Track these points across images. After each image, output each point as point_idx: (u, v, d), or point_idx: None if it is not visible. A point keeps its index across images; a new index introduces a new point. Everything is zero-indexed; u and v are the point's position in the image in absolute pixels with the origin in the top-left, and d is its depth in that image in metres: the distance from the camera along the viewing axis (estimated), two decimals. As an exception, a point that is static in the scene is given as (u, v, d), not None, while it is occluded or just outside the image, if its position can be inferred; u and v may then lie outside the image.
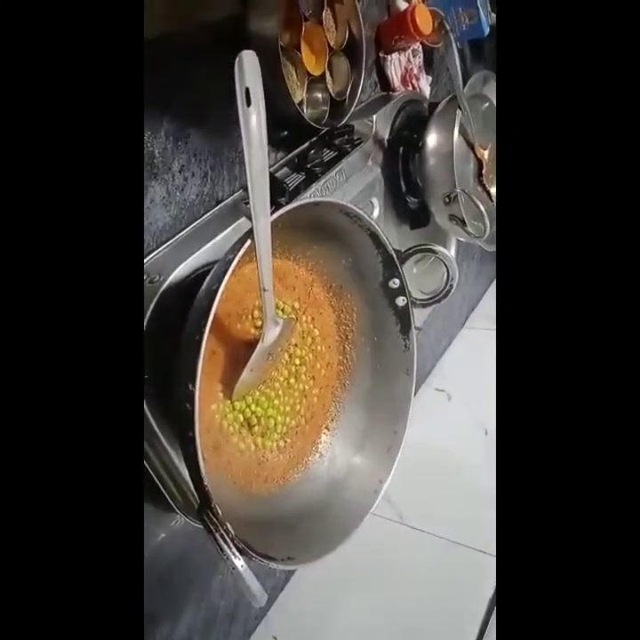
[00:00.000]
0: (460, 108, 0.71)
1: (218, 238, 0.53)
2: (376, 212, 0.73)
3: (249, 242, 0.40)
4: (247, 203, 0.59)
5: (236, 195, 0.61)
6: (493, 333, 1.06)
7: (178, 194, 0.55)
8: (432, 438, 0.86)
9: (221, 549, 0.36)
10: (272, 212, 0.60)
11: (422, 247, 0.57)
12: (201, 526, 0.53)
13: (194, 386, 0.36)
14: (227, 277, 0.38)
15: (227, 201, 0.60)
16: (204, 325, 0.37)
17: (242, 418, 0.52)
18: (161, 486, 0.52)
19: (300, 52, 0.61)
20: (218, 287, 0.38)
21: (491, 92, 0.77)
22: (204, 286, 0.41)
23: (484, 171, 0.76)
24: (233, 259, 0.39)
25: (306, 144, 0.67)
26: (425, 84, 0.88)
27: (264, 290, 0.41)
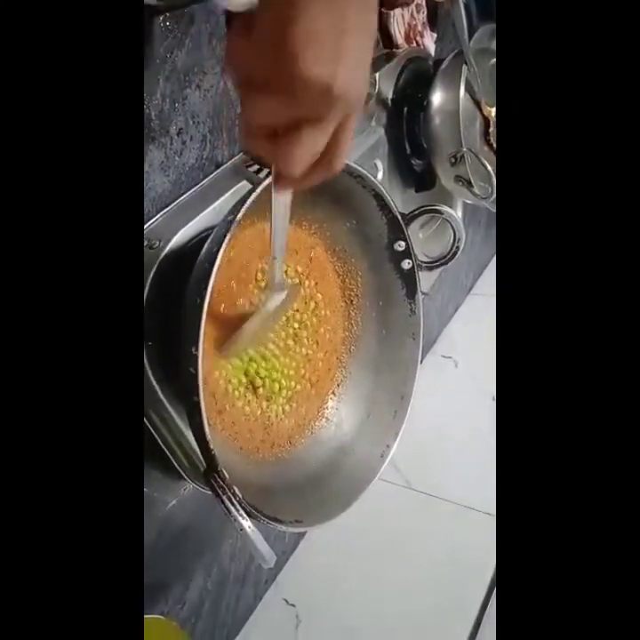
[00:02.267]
0: (467, 65, 0.68)
1: (218, 202, 0.52)
2: (380, 175, 0.71)
3: (248, 203, 0.39)
4: (248, 166, 0.58)
5: (235, 158, 0.59)
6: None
7: (176, 158, 0.54)
8: (439, 405, 0.86)
9: (229, 511, 0.36)
10: (268, 174, 0.58)
11: (428, 208, 0.55)
12: (209, 492, 0.54)
13: (197, 349, 0.35)
14: (227, 239, 0.37)
15: (227, 164, 0.58)
16: (205, 288, 0.36)
17: (246, 381, 0.52)
18: (168, 453, 0.52)
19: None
20: (218, 249, 0.37)
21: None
22: (204, 249, 0.40)
23: (491, 129, 0.74)
24: (233, 220, 0.38)
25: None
26: (429, 41, 0.85)
27: (274, 258, 0.40)
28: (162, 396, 0.49)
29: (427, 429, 0.80)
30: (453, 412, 0.88)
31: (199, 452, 0.47)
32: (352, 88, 0.27)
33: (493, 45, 0.73)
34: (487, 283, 1.13)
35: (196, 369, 0.36)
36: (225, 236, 0.38)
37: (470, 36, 0.73)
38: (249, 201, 0.38)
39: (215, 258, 0.37)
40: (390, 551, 0.75)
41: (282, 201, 0.34)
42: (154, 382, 0.48)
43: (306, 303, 0.56)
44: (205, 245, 0.41)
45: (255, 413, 0.52)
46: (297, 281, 0.55)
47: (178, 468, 0.53)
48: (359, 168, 0.50)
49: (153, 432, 0.51)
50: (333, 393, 0.59)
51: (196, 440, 0.40)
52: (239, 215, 0.38)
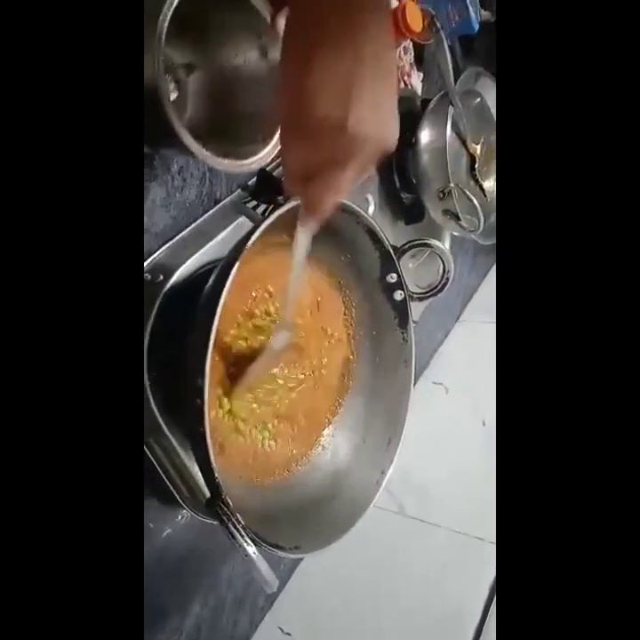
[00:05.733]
0: (453, 105, 0.72)
1: (219, 237, 0.54)
2: (371, 209, 0.74)
3: (250, 244, 0.41)
4: (245, 202, 0.60)
5: (233, 195, 0.62)
6: (488, 326, 1.08)
7: (177, 194, 0.56)
8: (430, 430, 0.88)
9: (234, 538, 0.37)
10: (271, 211, 0.61)
11: (419, 242, 0.58)
12: (207, 520, 0.55)
13: (203, 381, 0.37)
14: (234, 269, 0.39)
15: (225, 201, 0.61)
16: (211, 322, 0.38)
17: (245, 411, 0.53)
18: (168, 483, 0.53)
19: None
20: (224, 283, 0.39)
21: (482, 88, 0.78)
22: (210, 283, 0.42)
23: (476, 165, 0.77)
24: (237, 256, 0.40)
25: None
26: (416, 81, 0.89)
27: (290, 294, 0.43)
28: (164, 426, 0.50)
29: (418, 455, 0.81)
30: (444, 438, 0.89)
31: (203, 481, 0.48)
32: (368, 129, 0.29)
33: (478, 87, 0.77)
34: (475, 310, 1.15)
35: (202, 400, 0.37)
36: (231, 267, 0.40)
37: (456, 77, 0.77)
38: (249, 244, 0.40)
39: (221, 291, 0.39)
40: (385, 578, 0.76)
41: (304, 238, 0.38)
42: (156, 412, 0.49)
43: (306, 334, 0.58)
44: (211, 280, 0.43)
45: (254, 444, 0.54)
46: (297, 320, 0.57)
47: (177, 497, 0.54)
48: (353, 206, 0.53)
49: (153, 461, 0.52)
50: (329, 421, 0.60)
51: (201, 469, 0.41)
52: (249, 243, 0.40)
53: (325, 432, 0.60)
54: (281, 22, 0.41)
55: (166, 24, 0.38)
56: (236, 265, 0.40)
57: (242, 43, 0.45)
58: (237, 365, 0.50)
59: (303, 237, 0.38)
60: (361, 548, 0.66)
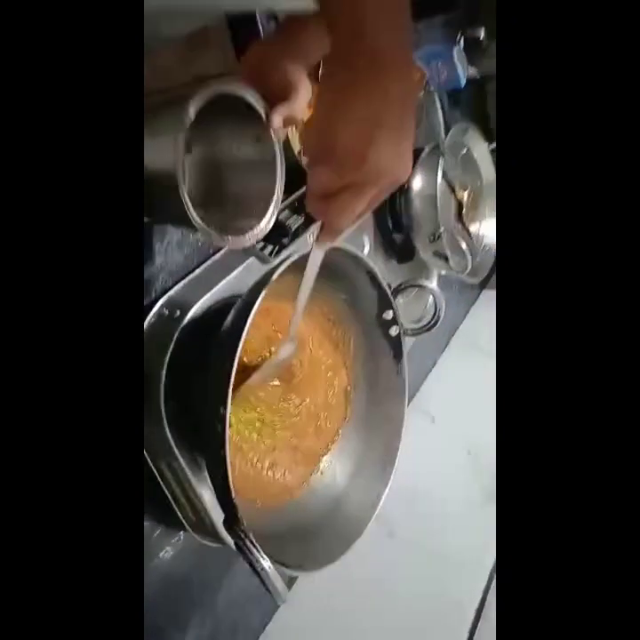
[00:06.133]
0: (442, 155, 0.78)
1: (230, 276, 0.59)
2: (367, 249, 0.79)
3: (268, 286, 0.46)
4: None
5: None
6: (472, 358, 1.13)
7: (191, 236, 0.61)
8: (418, 458, 0.92)
9: (251, 553, 0.41)
10: (277, 252, 0.66)
11: (413, 283, 0.63)
12: (207, 542, 0.57)
13: (225, 408, 0.41)
14: (255, 307, 0.44)
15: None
16: (234, 355, 0.42)
17: (251, 439, 0.57)
18: (174, 505, 0.57)
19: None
20: (246, 318, 0.44)
21: (469, 140, 0.85)
22: (230, 320, 0.47)
23: (463, 211, 0.83)
24: (254, 299, 0.45)
25: (304, 188, 0.73)
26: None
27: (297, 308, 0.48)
28: (176, 451, 0.53)
29: (407, 481, 0.85)
30: (431, 465, 0.93)
31: (208, 503, 0.51)
32: (385, 163, 0.34)
33: (466, 140, 0.83)
34: (460, 341, 1.21)
35: (224, 426, 0.41)
36: (251, 307, 0.44)
37: (445, 128, 0.84)
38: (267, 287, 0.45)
39: (243, 327, 0.43)
40: (375, 601, 0.78)
41: (318, 254, 0.43)
42: (170, 438, 0.53)
43: (306, 366, 0.62)
44: (230, 317, 0.47)
45: (256, 470, 0.58)
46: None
47: (181, 519, 0.57)
48: (354, 249, 0.58)
49: (161, 484, 0.56)
50: (328, 448, 0.64)
51: (219, 491, 0.45)
52: (267, 286, 0.45)
53: (325, 459, 0.64)
54: (276, 119, 0.47)
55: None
56: (256, 306, 0.44)
57: (239, 134, 0.50)
58: (242, 373, 0.54)
59: (317, 254, 0.43)
60: (353, 573, 0.70)
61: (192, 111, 0.41)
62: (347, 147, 0.33)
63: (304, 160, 0.67)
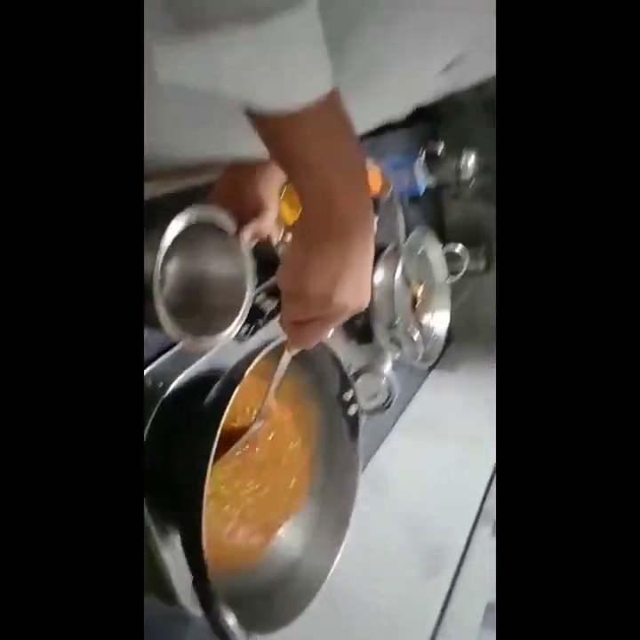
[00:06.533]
0: (402, 255, 0.89)
1: (210, 352, 0.65)
2: (330, 332, 0.88)
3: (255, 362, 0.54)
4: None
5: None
6: (419, 434, 1.21)
7: (176, 312, 0.68)
8: (367, 530, 0.97)
9: (219, 612, 0.45)
10: (253, 332, 0.73)
11: (371, 369, 0.71)
12: (165, 605, 0.60)
13: (204, 480, 0.47)
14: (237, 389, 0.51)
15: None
16: (216, 430, 0.49)
17: (214, 507, 0.62)
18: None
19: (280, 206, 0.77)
20: (230, 394, 0.50)
21: (426, 242, 0.96)
22: (211, 399, 0.53)
23: (417, 304, 0.94)
24: (241, 377, 0.52)
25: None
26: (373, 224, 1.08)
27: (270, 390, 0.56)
28: (148, 516, 0.57)
29: (356, 550, 0.90)
30: (378, 536, 0.98)
31: (171, 564, 0.55)
32: (348, 301, 0.41)
33: (424, 242, 0.95)
34: (409, 418, 1.29)
35: (203, 487, 0.47)
36: (235, 386, 0.51)
37: (405, 229, 0.96)
38: (254, 363, 0.52)
39: (224, 408, 0.50)
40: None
41: (289, 356, 0.52)
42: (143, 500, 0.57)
43: (271, 438, 0.68)
44: (214, 390, 0.54)
45: (219, 534, 0.62)
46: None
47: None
48: (323, 337, 0.66)
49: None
50: (288, 516, 0.70)
51: (189, 551, 0.49)
52: (249, 368, 0.52)
53: (284, 525, 0.69)
54: (245, 235, 0.54)
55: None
56: (236, 390, 0.51)
57: (214, 249, 0.56)
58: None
59: (287, 356, 0.53)
60: (305, 635, 0.73)
61: (169, 239, 0.47)
62: (316, 291, 0.40)
63: (280, 253, 0.76)
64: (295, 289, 0.42)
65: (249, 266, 0.58)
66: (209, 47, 0.27)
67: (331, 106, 0.33)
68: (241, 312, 0.57)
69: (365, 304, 0.44)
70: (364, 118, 0.43)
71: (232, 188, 0.56)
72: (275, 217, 0.58)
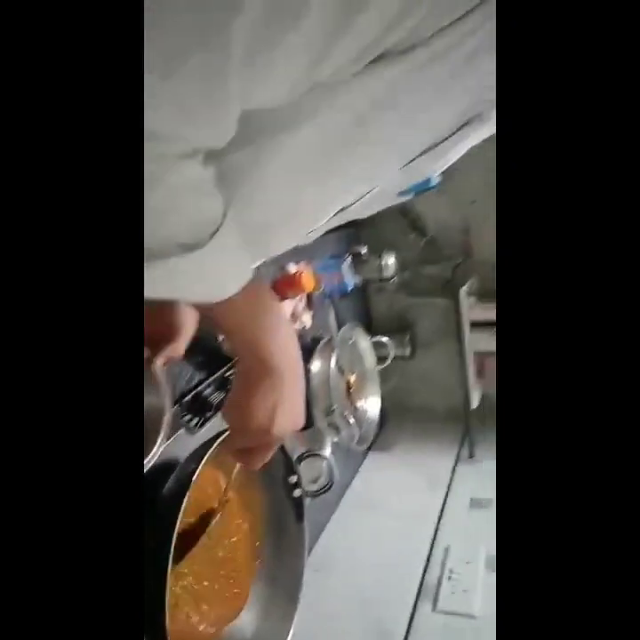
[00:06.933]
0: (335, 347, 0.99)
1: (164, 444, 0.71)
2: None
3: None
4: (182, 416, 0.78)
5: (173, 409, 0.79)
6: (361, 513, 1.26)
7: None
8: (316, 609, 0.99)
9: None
10: (202, 424, 0.79)
11: (313, 453, 0.79)
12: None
13: (165, 577, 0.51)
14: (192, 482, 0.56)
15: (167, 415, 0.78)
16: (174, 524, 0.54)
17: (173, 590, 0.65)
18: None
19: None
20: (182, 498, 0.56)
21: (356, 335, 1.07)
22: (170, 487, 0.59)
23: (351, 390, 1.03)
24: (196, 469, 0.58)
25: (225, 368, 0.89)
26: (308, 319, 1.19)
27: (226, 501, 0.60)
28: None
29: (306, 628, 0.92)
30: (328, 615, 1.00)
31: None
32: (284, 429, 0.49)
33: (354, 336, 1.06)
34: (350, 499, 1.34)
35: (166, 575, 0.51)
36: (187, 487, 0.57)
37: (337, 323, 1.06)
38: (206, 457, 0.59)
39: (180, 505, 0.55)
40: None
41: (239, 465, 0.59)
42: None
43: (224, 526, 0.73)
44: (170, 482, 0.59)
45: (179, 620, 0.65)
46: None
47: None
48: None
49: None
50: (240, 608, 0.73)
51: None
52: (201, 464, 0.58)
53: (236, 611, 0.72)
54: (158, 362, 0.56)
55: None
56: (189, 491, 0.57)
57: None
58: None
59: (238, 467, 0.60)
60: None
61: None
62: (256, 425, 0.47)
63: (226, 347, 0.84)
64: (239, 424, 0.49)
65: (165, 392, 0.60)
66: (159, 270, 0.33)
67: (251, 282, 0.41)
68: (159, 439, 0.60)
69: (300, 425, 0.52)
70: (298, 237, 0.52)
71: (150, 309, 0.61)
72: (190, 337, 0.61)
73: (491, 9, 0.27)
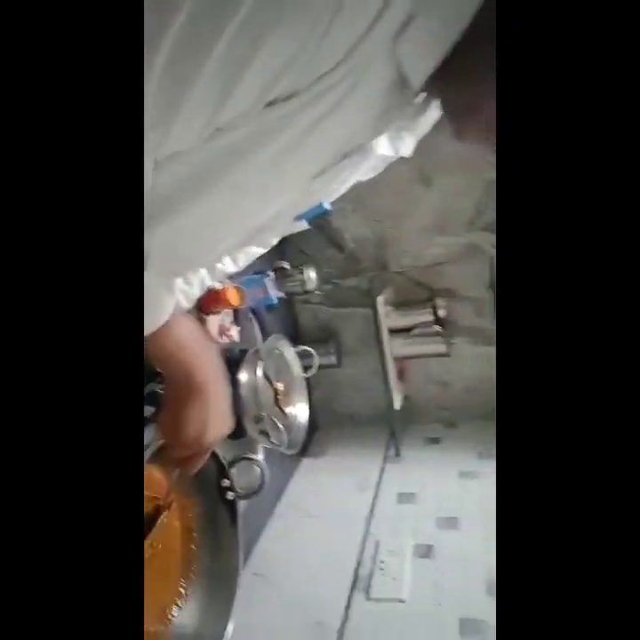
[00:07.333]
0: (261, 358, 1.05)
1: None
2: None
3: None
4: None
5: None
6: (296, 518, 1.31)
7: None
8: (255, 613, 1.03)
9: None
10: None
11: (245, 456, 0.83)
12: None
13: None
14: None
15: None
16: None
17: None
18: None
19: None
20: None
21: (281, 346, 1.13)
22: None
23: (279, 396, 1.09)
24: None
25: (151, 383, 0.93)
26: (235, 334, 1.23)
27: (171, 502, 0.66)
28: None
29: (245, 632, 0.95)
30: (267, 617, 1.04)
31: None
32: (214, 437, 0.56)
33: (279, 346, 1.11)
34: (286, 505, 1.39)
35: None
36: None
37: (263, 334, 1.12)
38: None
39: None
40: None
41: (177, 472, 0.65)
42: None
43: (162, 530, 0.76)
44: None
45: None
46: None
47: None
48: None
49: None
50: (176, 601, 0.76)
51: None
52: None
53: (174, 609, 0.75)
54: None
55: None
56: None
57: None
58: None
59: (177, 472, 0.66)
60: None
61: None
62: (188, 437, 0.54)
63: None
64: (173, 438, 0.56)
65: None
66: None
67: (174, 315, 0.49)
68: None
69: (229, 432, 0.59)
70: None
71: None
72: None
73: (351, 65, 0.32)
